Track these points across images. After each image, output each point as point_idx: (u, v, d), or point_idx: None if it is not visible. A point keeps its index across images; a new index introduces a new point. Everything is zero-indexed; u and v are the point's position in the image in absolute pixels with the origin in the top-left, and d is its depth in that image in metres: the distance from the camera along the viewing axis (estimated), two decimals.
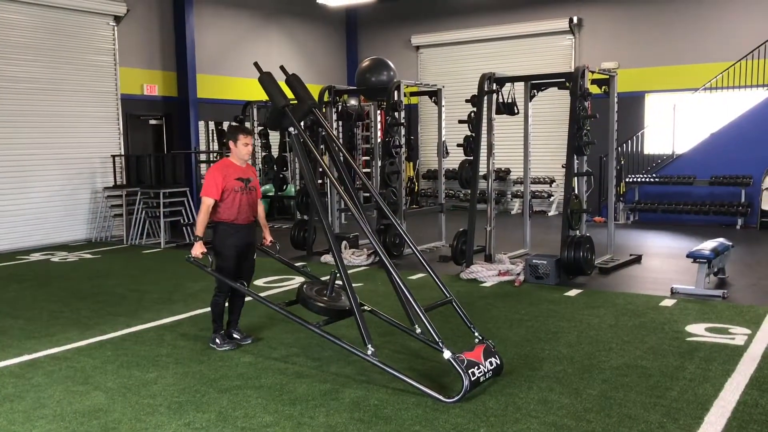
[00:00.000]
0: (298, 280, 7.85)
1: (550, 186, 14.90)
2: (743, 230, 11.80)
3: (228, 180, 5.19)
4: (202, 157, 13.71)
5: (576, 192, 8.05)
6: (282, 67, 5.90)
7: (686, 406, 3.94)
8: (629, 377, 4.46)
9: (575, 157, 7.98)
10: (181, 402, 4.19)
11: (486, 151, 8.45)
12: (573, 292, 7.02)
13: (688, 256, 7.01)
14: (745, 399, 4.05)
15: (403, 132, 9.16)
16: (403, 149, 9.20)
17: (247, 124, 13.47)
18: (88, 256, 10.09)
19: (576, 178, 8.23)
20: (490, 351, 4.46)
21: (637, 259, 8.84)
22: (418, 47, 16.92)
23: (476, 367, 4.25)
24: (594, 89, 8.53)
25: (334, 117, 10.18)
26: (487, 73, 8.40)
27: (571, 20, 14.64)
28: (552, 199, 14.90)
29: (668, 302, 6.54)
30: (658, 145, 13.87)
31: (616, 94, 8.78)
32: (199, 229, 5.16)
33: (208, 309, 5.48)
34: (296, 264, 6.10)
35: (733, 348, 5.08)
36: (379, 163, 9.59)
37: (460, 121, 8.67)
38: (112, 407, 4.12)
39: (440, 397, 4.08)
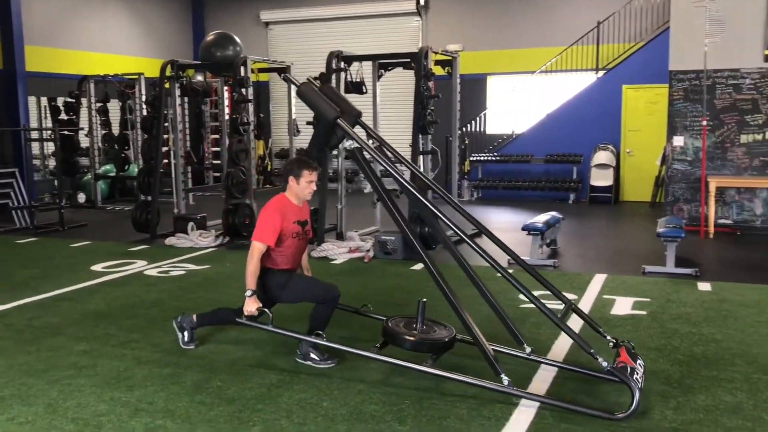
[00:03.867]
0: (139, 264, 7.52)
1: (400, 165, 15.20)
2: (575, 204, 12.72)
3: (287, 223, 4.37)
4: (34, 135, 12.71)
5: (422, 170, 8.28)
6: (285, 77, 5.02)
7: (518, 365, 4.19)
8: (466, 341, 4.66)
9: (420, 136, 8.20)
10: (4, 396, 3.88)
11: None
12: (419, 266, 7.24)
13: (523, 229, 7.45)
14: (571, 352, 4.40)
15: (251, 109, 8.98)
16: (252, 127, 9.01)
17: (83, 101, 12.65)
18: None
19: (421, 156, 8.47)
20: (631, 351, 3.94)
21: (479, 234, 9.24)
22: (267, 23, 16.62)
23: (636, 373, 3.70)
24: (438, 70, 8.80)
25: (178, 93, 9.76)
26: (335, 51, 8.40)
27: (418, 2, 14.97)
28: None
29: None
30: (499, 125, 14.56)
31: (458, 76, 9.11)
32: (251, 281, 4.22)
33: (39, 297, 5.11)
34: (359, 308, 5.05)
35: (560, 312, 5.45)
36: (227, 142, 9.34)
37: None
38: None
39: (609, 416, 3.50)
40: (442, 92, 8.38)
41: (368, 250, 7.79)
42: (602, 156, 12.75)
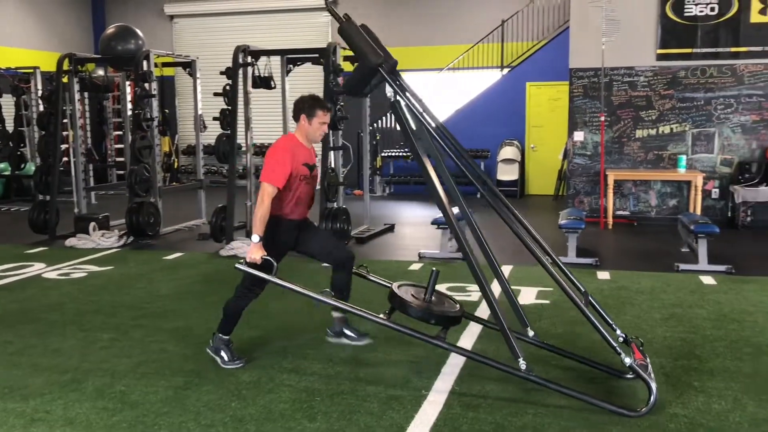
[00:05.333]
0: (37, 267, 7.17)
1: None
2: (482, 199, 12.95)
3: (296, 163, 4.09)
4: None
5: (333, 166, 8.28)
6: (346, 16, 4.32)
7: (428, 356, 4.25)
8: (377, 336, 4.69)
9: (331, 131, 8.17)
10: None
11: (244, 125, 8.35)
12: None
13: (432, 223, 7.56)
14: (475, 346, 4.49)
15: (155, 105, 8.71)
16: (156, 123, 8.74)
17: None
18: None
19: (332, 152, 8.45)
20: (640, 348, 3.92)
21: (391, 228, 9.35)
22: (172, 17, 16.15)
23: (649, 369, 3.73)
24: (348, 66, 8.79)
25: (77, 88, 9.35)
26: (242, 46, 8.26)
27: None
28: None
29: (416, 266, 7.02)
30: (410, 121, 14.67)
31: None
32: (259, 227, 3.93)
33: None
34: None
35: (470, 303, 5.59)
36: (130, 138, 9.03)
37: (216, 94, 8.46)
38: None
39: (626, 412, 3.50)
40: None
41: None
42: (508, 151, 13.10)
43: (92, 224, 8.56)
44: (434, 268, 4.04)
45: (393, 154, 13.99)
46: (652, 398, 3.51)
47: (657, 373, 4.00)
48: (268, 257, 3.94)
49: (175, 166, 14.45)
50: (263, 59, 8.53)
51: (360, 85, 4.20)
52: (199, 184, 9.93)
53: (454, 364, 4.21)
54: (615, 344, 3.74)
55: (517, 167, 13.05)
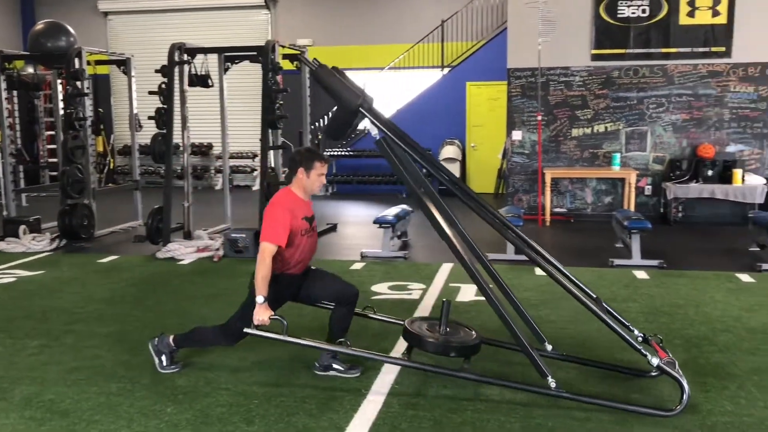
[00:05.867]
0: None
1: (253, 160, 14.98)
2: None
3: (296, 220, 3.92)
4: None
5: (272, 165, 8.20)
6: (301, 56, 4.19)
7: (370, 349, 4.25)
8: (317, 336, 4.65)
9: (270, 130, 8.09)
10: None
11: (180, 124, 8.18)
12: None
13: (374, 222, 7.56)
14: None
15: (88, 104, 8.45)
16: (90, 122, 8.48)
17: None
18: None
19: (272, 151, 8.37)
20: (661, 345, 3.89)
21: (333, 228, 9.32)
22: (106, 13, 15.72)
23: (676, 366, 3.65)
24: (287, 65, 8.73)
25: (4, 86, 9.00)
26: (177, 44, 8.09)
27: None
28: (255, 173, 15.01)
29: (358, 266, 7.01)
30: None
31: (308, 70, 9.07)
32: (263, 287, 3.76)
33: None
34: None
35: (411, 302, 5.62)
36: (62, 138, 8.74)
37: (151, 93, 8.27)
38: None
39: (662, 413, 3.46)
40: (293, 87, 8.32)
41: (217, 249, 7.59)
42: (449, 150, 13.22)
43: (22, 227, 8.26)
44: (445, 299, 3.94)
45: (336, 153, 13.94)
46: (684, 396, 3.45)
47: (591, 367, 4.09)
48: (276, 317, 3.80)
49: (111, 167, 14.07)
50: (200, 57, 8.38)
51: (343, 129, 4.19)
52: (135, 185, 9.70)
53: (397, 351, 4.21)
54: (639, 346, 3.71)
55: (458, 166, 13.17)
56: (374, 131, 3.98)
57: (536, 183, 9.89)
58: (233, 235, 7.56)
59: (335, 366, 4.04)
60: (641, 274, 6.52)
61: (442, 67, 13.89)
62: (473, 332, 3.95)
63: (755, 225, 7.44)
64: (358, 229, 9.53)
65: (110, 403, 3.66)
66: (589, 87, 9.81)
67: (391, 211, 7.81)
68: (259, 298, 3.77)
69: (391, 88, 14.31)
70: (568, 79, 9.84)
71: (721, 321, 5.08)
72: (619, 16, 9.55)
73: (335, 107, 4.07)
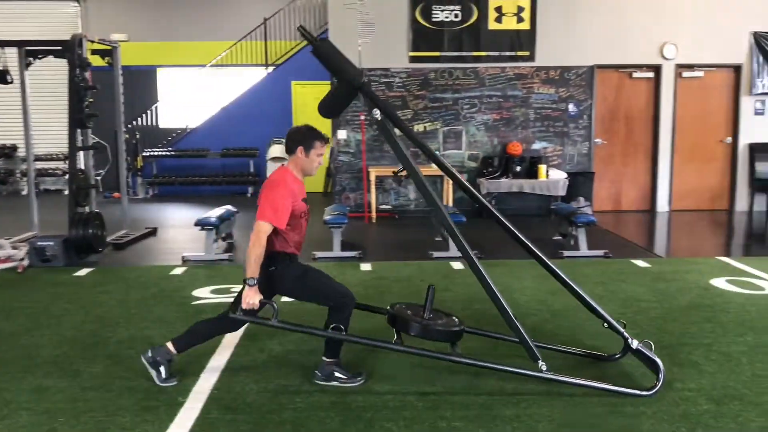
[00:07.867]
0: None
1: (64, 162, 13.96)
2: (253, 198, 12.91)
3: (297, 202, 3.78)
4: None
5: (83, 167, 7.69)
6: (301, 28, 4.00)
7: (189, 360, 4.11)
8: (134, 348, 4.44)
9: (79, 130, 7.58)
10: None
11: None
12: (83, 272, 6.71)
13: (195, 224, 7.33)
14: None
15: None
16: None
17: None
18: None
19: (83, 152, 7.85)
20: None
21: (153, 232, 8.92)
22: None
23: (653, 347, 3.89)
24: (98, 61, 8.23)
25: None
26: None
27: None
28: (67, 176, 14.00)
29: (179, 270, 6.76)
30: (173, 119, 14.14)
31: (120, 66, 8.62)
32: (254, 269, 3.57)
33: None
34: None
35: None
36: None
37: None
38: None
39: (642, 393, 3.64)
40: (103, 83, 7.85)
41: (22, 259, 6.99)
42: (277, 149, 13.06)
43: None
44: (430, 285, 4.00)
45: (156, 153, 13.36)
46: (660, 375, 3.70)
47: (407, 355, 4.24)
48: (267, 300, 3.64)
49: None
50: None
51: (341, 106, 4.16)
52: None
53: (215, 367, 4.11)
54: (622, 330, 3.92)
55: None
56: (375, 111, 3.96)
57: (362, 181, 10.09)
58: (40, 243, 7.00)
59: (337, 374, 3.85)
60: (458, 265, 6.87)
61: (267, 65, 13.76)
62: (455, 318, 4.04)
63: (557, 216, 8.11)
64: (180, 232, 9.20)
65: None
66: (408, 88, 10.16)
67: (215, 213, 7.61)
68: (251, 281, 3.59)
69: (214, 86, 13.95)
70: (388, 80, 10.13)
71: (528, 305, 5.47)
72: (433, 19, 9.99)
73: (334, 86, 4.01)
